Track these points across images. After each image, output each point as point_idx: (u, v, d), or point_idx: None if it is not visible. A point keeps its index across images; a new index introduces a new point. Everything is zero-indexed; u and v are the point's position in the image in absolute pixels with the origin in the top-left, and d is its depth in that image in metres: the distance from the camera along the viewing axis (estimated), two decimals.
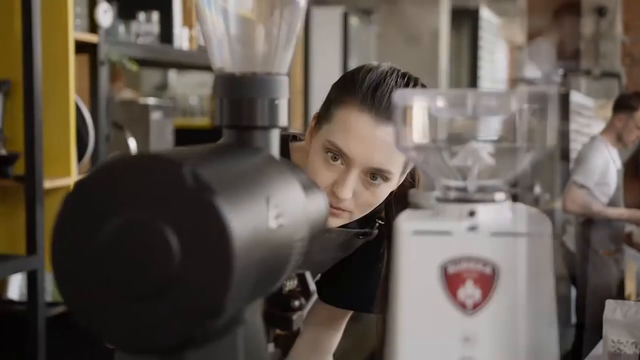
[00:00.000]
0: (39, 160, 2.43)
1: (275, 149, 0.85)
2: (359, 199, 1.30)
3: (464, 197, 0.72)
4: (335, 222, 1.33)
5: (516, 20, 9.74)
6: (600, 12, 9.69)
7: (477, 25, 7.60)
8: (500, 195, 0.72)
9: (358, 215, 1.33)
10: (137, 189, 0.65)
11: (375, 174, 1.28)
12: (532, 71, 8.28)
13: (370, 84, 1.28)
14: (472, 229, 0.70)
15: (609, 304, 2.06)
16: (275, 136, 0.86)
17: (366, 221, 1.45)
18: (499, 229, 0.69)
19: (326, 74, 4.82)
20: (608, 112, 8.90)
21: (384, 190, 1.30)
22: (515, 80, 8.37)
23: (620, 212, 4.51)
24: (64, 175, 2.58)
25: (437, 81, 5.90)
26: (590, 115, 7.95)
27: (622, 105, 4.51)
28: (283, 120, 0.85)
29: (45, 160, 2.49)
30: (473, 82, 7.83)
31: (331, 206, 1.29)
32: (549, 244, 0.70)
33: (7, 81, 2.50)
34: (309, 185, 0.89)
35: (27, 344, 2.43)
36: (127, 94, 4.27)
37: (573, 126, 7.08)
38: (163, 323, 0.64)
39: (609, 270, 4.40)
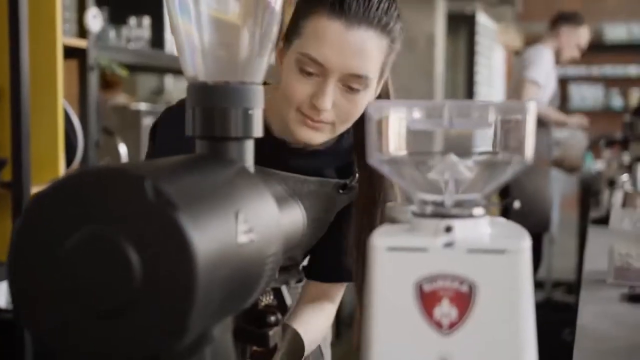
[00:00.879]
0: (27, 167, 2.40)
1: (249, 160, 0.83)
2: (340, 109, 1.28)
3: (440, 212, 0.70)
4: (318, 137, 1.31)
5: (513, 25, 9.73)
6: None
7: (473, 31, 7.59)
8: (478, 210, 0.70)
9: (340, 128, 1.31)
10: (98, 203, 0.62)
11: (352, 82, 1.26)
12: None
13: None
14: (448, 245, 0.67)
15: (616, 212, 1.96)
16: (249, 147, 0.83)
17: (344, 173, 1.44)
18: (476, 245, 0.67)
19: None
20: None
21: (364, 98, 1.28)
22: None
23: (567, 118, 4.75)
24: (53, 180, 2.55)
25: (432, 86, 5.87)
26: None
27: (570, 19, 4.64)
28: (258, 130, 0.83)
29: (33, 166, 2.46)
30: (470, 87, 7.81)
31: (312, 120, 1.28)
32: (528, 261, 0.68)
33: None
34: (284, 198, 0.87)
35: (14, 351, 2.41)
36: (122, 99, 4.25)
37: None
38: (125, 343, 0.62)
39: (540, 181, 4.40)
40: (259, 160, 1.24)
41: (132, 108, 3.20)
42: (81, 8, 2.71)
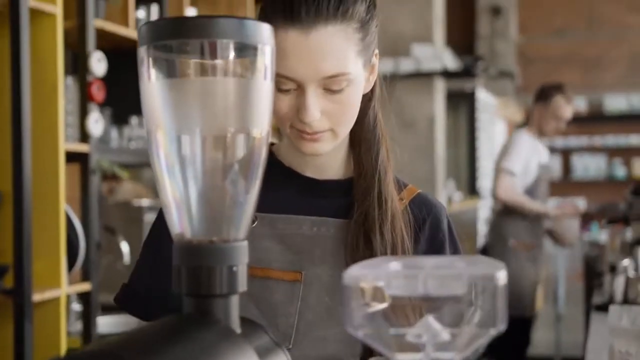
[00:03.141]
0: (28, 274, 2.42)
1: (234, 316, 0.85)
2: (331, 114, 1.19)
3: None
4: (323, 147, 1.22)
5: (513, 98, 9.85)
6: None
7: (473, 107, 7.67)
8: None
9: (342, 130, 1.22)
10: None
11: (332, 85, 1.17)
12: None
13: None
14: None
15: (614, 310, 1.92)
16: (234, 302, 0.85)
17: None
18: None
19: None
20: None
21: (352, 93, 1.20)
22: None
23: (544, 208, 4.57)
24: (54, 286, 2.57)
25: (433, 166, 5.92)
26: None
27: (539, 96, 4.71)
28: (242, 285, 0.85)
29: (34, 272, 2.48)
30: (472, 162, 7.86)
31: (308, 133, 1.20)
32: None
33: None
34: (270, 349, 0.88)
35: None
36: (128, 186, 4.28)
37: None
38: None
39: (519, 264, 4.36)
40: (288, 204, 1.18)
41: (134, 204, 3.23)
42: (83, 112, 2.77)
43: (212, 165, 0.86)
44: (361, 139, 1.30)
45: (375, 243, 1.23)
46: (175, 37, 0.83)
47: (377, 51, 1.27)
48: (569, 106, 4.69)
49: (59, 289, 2.57)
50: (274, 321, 1.22)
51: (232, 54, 0.83)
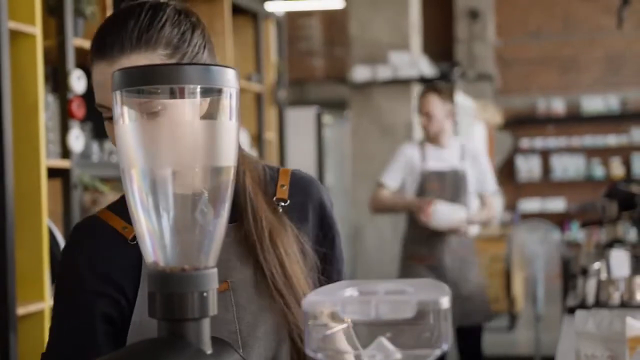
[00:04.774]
0: (12, 288, 2.48)
1: (206, 338, 0.92)
2: None
3: None
4: None
5: (492, 101, 9.96)
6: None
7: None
8: None
9: None
10: None
11: (147, 109, 1.16)
12: None
13: (98, 31, 1.26)
14: None
15: (580, 314, 1.96)
16: (206, 325, 0.92)
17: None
18: None
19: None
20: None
21: (172, 118, 1.18)
22: None
23: (400, 199, 4.21)
24: (38, 300, 2.62)
25: None
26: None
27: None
28: (213, 309, 0.92)
29: (18, 286, 2.54)
30: None
31: None
32: None
33: None
34: None
35: None
36: (111, 197, 4.32)
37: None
38: None
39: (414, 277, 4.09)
40: None
41: None
42: (64, 129, 2.83)
43: (182, 198, 0.93)
44: None
45: (265, 256, 1.29)
46: (146, 83, 0.90)
47: None
48: (424, 101, 4.18)
49: (43, 302, 2.63)
50: (218, 333, 1.28)
51: (198, 97, 0.90)
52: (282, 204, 1.33)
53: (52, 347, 1.30)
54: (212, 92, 0.92)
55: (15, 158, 2.55)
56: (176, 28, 1.25)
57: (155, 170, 0.92)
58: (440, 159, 4.16)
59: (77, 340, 1.27)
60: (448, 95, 4.16)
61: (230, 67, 0.93)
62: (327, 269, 1.37)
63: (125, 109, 0.92)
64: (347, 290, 0.84)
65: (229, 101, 0.92)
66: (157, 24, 1.23)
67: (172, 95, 0.92)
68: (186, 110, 0.92)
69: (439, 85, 4.33)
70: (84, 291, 1.29)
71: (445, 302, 0.78)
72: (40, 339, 2.62)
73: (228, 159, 0.93)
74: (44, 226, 2.63)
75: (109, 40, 1.23)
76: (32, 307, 2.60)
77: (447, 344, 0.78)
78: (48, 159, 2.71)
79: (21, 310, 2.54)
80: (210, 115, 0.92)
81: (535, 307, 6.12)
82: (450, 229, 4.10)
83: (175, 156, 0.91)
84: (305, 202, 1.37)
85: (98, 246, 1.31)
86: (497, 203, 4.30)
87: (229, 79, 0.92)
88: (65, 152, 2.82)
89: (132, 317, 1.28)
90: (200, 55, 1.28)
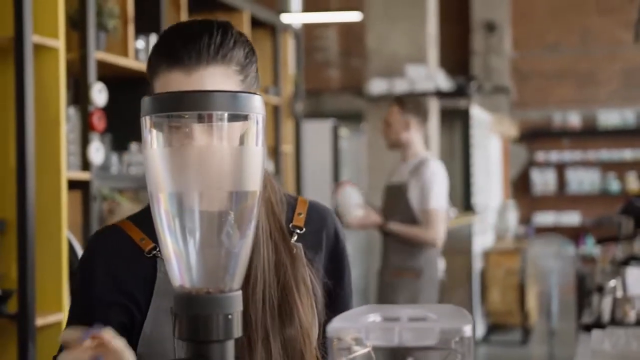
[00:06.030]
0: (32, 298, 2.50)
1: (230, 359, 0.93)
2: None
3: None
4: None
5: (508, 114, 9.95)
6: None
7: (467, 124, 7.76)
8: None
9: None
10: None
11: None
12: None
13: (168, 40, 1.26)
14: None
15: (596, 334, 1.96)
16: (230, 347, 0.94)
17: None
18: None
19: (318, 185, 4.95)
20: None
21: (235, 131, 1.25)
22: None
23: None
24: (57, 311, 2.65)
25: None
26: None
27: None
28: (238, 331, 0.94)
29: (37, 297, 2.57)
30: (466, 178, 7.95)
31: None
32: None
33: (2, 221, 2.60)
34: None
35: None
36: (127, 206, 4.34)
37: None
38: None
39: (394, 292, 4.02)
40: None
41: None
42: (84, 141, 2.86)
43: (208, 221, 0.95)
44: None
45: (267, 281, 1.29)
46: (175, 109, 0.92)
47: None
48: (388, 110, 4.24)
49: (61, 313, 2.66)
50: None
51: (226, 124, 0.92)
52: (298, 231, 1.35)
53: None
54: (239, 118, 0.93)
55: (36, 170, 2.58)
56: (242, 49, 1.28)
57: (183, 194, 0.94)
58: (398, 173, 4.18)
59: None
60: (412, 109, 4.14)
61: (257, 94, 0.95)
62: (335, 303, 1.37)
63: (154, 134, 0.93)
64: (370, 316, 0.85)
65: (256, 127, 0.94)
66: (229, 42, 1.26)
67: (201, 120, 0.94)
68: (213, 135, 0.94)
69: (405, 99, 4.34)
70: (98, 298, 1.31)
71: (468, 330, 0.79)
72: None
73: (254, 184, 0.95)
74: (64, 238, 2.65)
75: (185, 50, 1.23)
76: (51, 318, 2.62)
77: None
78: (68, 171, 2.74)
79: (40, 321, 2.57)
80: (237, 141, 0.94)
81: (550, 321, 6.10)
82: (359, 226, 4.13)
83: (202, 181, 0.93)
84: (320, 230, 1.39)
85: (115, 256, 1.33)
86: (440, 224, 3.96)
87: (256, 106, 0.94)
88: (86, 164, 2.85)
89: (143, 327, 1.29)
90: (256, 78, 1.32)
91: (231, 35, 1.26)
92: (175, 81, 1.23)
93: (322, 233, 1.39)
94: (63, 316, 2.67)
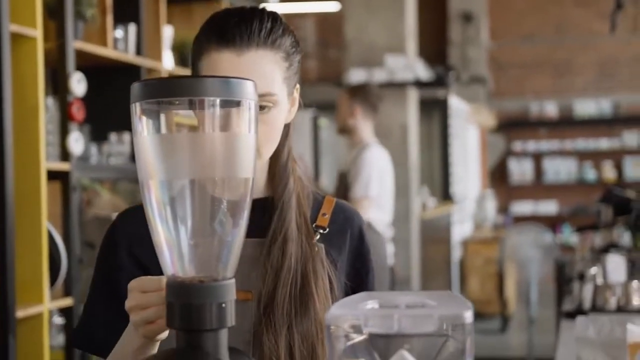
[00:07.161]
0: (11, 291, 2.47)
1: (223, 348, 0.92)
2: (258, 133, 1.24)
3: None
4: None
5: (486, 104, 9.98)
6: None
7: (446, 114, 7.78)
8: None
9: (266, 152, 1.29)
10: None
11: (259, 101, 1.17)
12: None
13: (219, 21, 1.28)
14: None
15: (580, 320, 1.96)
16: (223, 336, 0.92)
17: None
18: None
19: None
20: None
21: (277, 115, 1.28)
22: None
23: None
24: (37, 303, 2.62)
25: (407, 173, 6.01)
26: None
27: None
28: (231, 320, 0.92)
29: (17, 289, 2.53)
30: (445, 168, 7.97)
31: None
32: None
33: None
34: None
35: None
36: (106, 197, 4.30)
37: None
38: None
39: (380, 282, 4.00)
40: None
41: (112, 218, 3.27)
42: (64, 132, 2.82)
43: (200, 209, 0.93)
44: (274, 173, 1.36)
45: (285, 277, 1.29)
46: (166, 95, 0.90)
47: (298, 86, 1.36)
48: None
49: (42, 305, 2.63)
50: (233, 342, 1.26)
51: (217, 110, 0.91)
52: (321, 231, 1.35)
53: (84, 323, 1.34)
54: (231, 104, 0.92)
55: (15, 160, 2.55)
56: (289, 38, 1.30)
57: (174, 181, 0.92)
58: (346, 160, 4.26)
59: (108, 317, 1.29)
60: (359, 97, 4.21)
61: (249, 80, 0.93)
62: None
63: (144, 121, 0.92)
64: (368, 303, 0.84)
65: (248, 113, 0.92)
66: (279, 29, 1.28)
67: (192, 107, 0.92)
68: (205, 122, 0.92)
69: (356, 87, 4.47)
70: (119, 271, 1.30)
71: (468, 316, 0.79)
72: (39, 341, 2.61)
73: (247, 171, 0.93)
74: (44, 228, 2.62)
75: (237, 30, 1.25)
76: (31, 310, 2.59)
77: (471, 358, 0.79)
78: (48, 162, 2.71)
79: (20, 313, 2.54)
80: (229, 127, 0.93)
81: (529, 309, 6.14)
82: None
83: (194, 167, 0.92)
84: (344, 231, 1.39)
85: (138, 232, 1.31)
86: (365, 211, 3.90)
87: (248, 91, 0.92)
88: (65, 155, 2.82)
89: None
90: (298, 69, 1.33)
91: (280, 23, 1.29)
92: (226, 61, 1.24)
93: (346, 234, 1.39)
94: (44, 308, 2.64)
